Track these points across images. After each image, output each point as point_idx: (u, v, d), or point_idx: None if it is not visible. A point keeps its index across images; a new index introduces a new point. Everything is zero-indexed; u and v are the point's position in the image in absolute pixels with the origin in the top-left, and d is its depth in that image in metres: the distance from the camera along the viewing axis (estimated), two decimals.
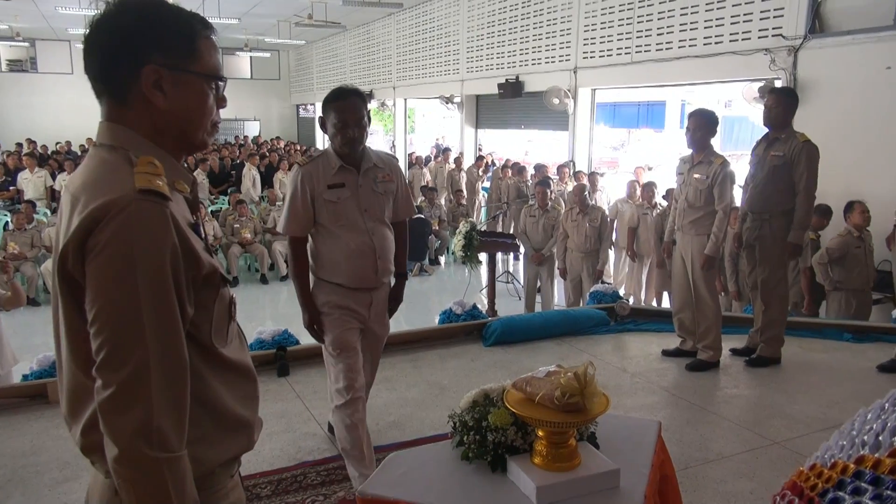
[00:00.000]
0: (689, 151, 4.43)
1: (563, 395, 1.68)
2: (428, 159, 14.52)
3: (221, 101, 1.24)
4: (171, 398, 1.04)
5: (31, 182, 11.46)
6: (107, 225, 1.02)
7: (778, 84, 6.92)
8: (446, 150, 12.86)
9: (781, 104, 4.29)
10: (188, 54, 1.16)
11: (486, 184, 12.00)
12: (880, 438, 0.55)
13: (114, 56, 1.13)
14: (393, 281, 3.11)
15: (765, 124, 4.37)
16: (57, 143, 17.72)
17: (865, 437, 0.57)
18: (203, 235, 1.18)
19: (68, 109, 19.67)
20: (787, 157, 4.20)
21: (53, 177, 11.86)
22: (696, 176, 4.32)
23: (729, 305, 6.27)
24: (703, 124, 4.31)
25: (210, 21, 1.24)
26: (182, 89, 1.15)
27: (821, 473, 0.59)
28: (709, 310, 4.41)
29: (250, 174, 12.59)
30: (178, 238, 1.07)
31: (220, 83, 1.22)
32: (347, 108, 2.76)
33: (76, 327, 1.08)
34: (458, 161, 12.09)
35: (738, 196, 4.58)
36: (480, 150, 13.80)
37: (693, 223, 4.37)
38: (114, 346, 1.02)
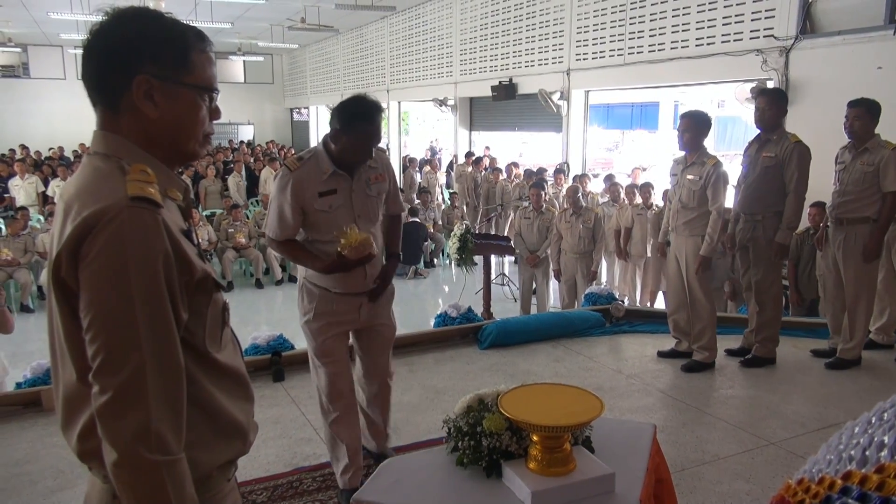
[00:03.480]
0: (683, 152, 4.44)
1: (342, 249, 2.46)
2: (423, 162, 14.52)
3: (215, 113, 1.25)
4: (167, 402, 1.06)
5: (22, 188, 11.43)
6: (99, 232, 1.03)
7: (770, 84, 6.94)
8: (469, 154, 12.85)
9: (774, 106, 4.30)
10: (181, 66, 1.17)
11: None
12: (867, 453, 0.55)
13: (107, 65, 1.15)
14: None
15: (757, 125, 4.38)
16: (50, 149, 17.66)
17: (852, 452, 0.57)
18: (196, 242, 1.20)
19: (61, 115, 19.60)
20: (779, 158, 4.21)
21: (46, 183, 11.82)
22: (689, 177, 4.32)
23: (724, 306, 6.29)
24: (694, 125, 4.31)
25: (205, 32, 1.25)
26: (173, 100, 1.17)
27: (808, 488, 0.59)
28: (704, 311, 4.42)
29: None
30: (171, 244, 1.08)
31: (214, 95, 1.23)
32: (373, 132, 2.61)
33: (72, 333, 1.09)
34: (479, 162, 12.08)
35: (731, 197, 4.59)
36: (488, 150, 13.83)
37: (687, 224, 4.37)
38: (109, 351, 1.04)
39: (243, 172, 13.22)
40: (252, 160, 14.46)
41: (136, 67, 1.13)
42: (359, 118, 2.57)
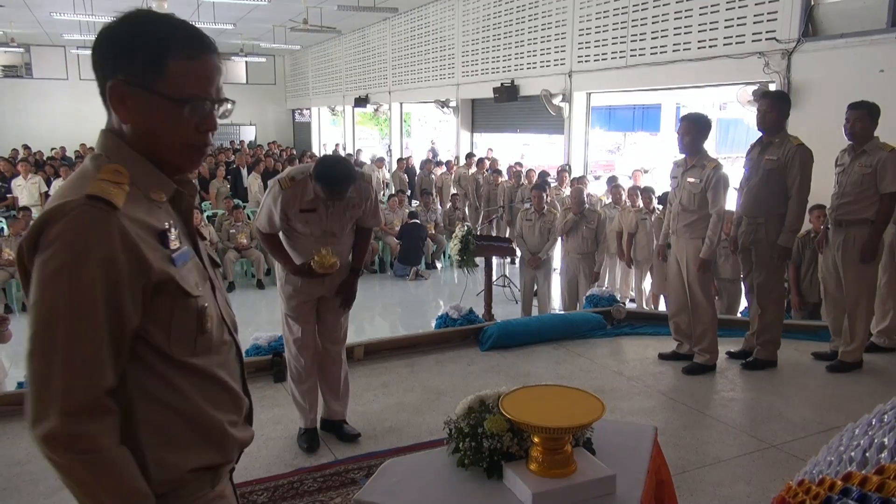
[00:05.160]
0: (683, 155, 4.45)
1: (312, 263, 3.06)
2: (434, 163, 14.47)
3: (206, 123, 1.18)
4: (80, 401, 1.04)
5: (25, 188, 11.43)
6: (52, 227, 1.04)
7: (772, 87, 6.94)
8: (470, 156, 12.87)
9: (775, 108, 4.30)
10: (153, 73, 1.12)
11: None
12: (867, 455, 0.55)
13: (97, 64, 1.16)
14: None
15: (759, 128, 4.38)
16: (52, 149, 17.67)
17: (853, 454, 0.57)
18: (170, 245, 1.15)
19: (63, 115, 19.65)
20: (782, 161, 4.21)
21: (49, 183, 11.82)
22: (690, 180, 4.33)
23: (724, 308, 6.28)
24: (695, 128, 4.32)
25: (206, 37, 1.17)
26: (143, 108, 1.14)
27: (808, 489, 0.59)
28: (705, 313, 4.42)
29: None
30: (126, 245, 1.06)
31: (202, 104, 1.16)
32: (333, 191, 3.09)
33: None
34: (481, 164, 12.11)
35: (732, 199, 4.59)
36: (490, 151, 13.83)
37: (688, 227, 4.38)
38: (31, 347, 1.05)
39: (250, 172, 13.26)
40: (253, 162, 14.45)
41: (110, 72, 1.12)
42: (323, 178, 3.08)
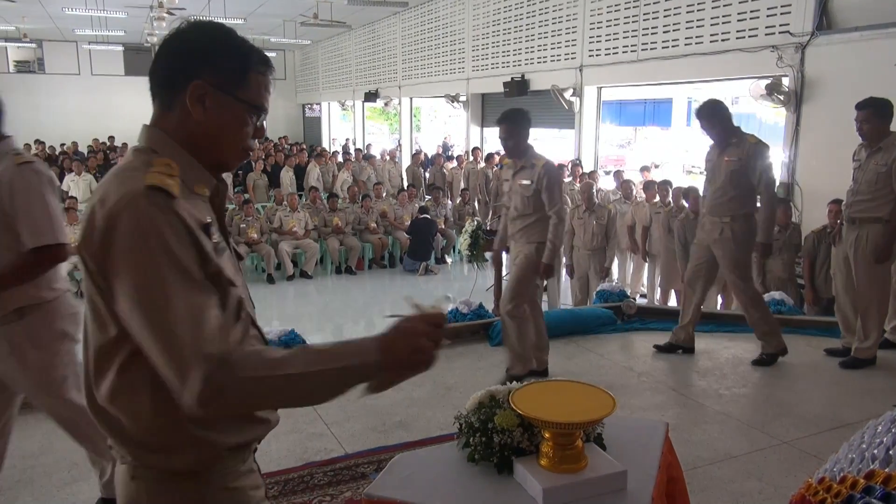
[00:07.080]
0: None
1: None
2: (445, 158, 14.45)
3: (259, 131, 1.33)
4: (214, 351, 1.08)
5: None
6: (122, 217, 1.11)
7: (785, 81, 6.88)
8: (475, 150, 12.86)
9: (715, 125, 4.31)
10: (237, 80, 1.26)
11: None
12: (891, 453, 0.54)
13: (174, 65, 1.25)
14: None
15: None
16: (62, 144, 17.78)
17: (875, 451, 0.56)
18: (213, 238, 1.23)
19: (75, 110, 19.76)
20: (743, 160, 4.22)
21: (62, 177, 11.88)
22: (521, 182, 4.08)
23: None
24: (515, 130, 4.06)
25: (269, 60, 1.33)
26: (221, 110, 1.25)
27: (830, 487, 0.58)
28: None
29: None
30: (186, 231, 1.14)
31: (262, 115, 1.31)
32: None
33: (97, 310, 1.18)
34: (490, 159, 12.10)
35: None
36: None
37: (524, 231, 4.11)
38: (157, 330, 1.08)
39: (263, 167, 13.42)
40: (264, 156, 14.51)
41: (198, 72, 1.22)
42: None
